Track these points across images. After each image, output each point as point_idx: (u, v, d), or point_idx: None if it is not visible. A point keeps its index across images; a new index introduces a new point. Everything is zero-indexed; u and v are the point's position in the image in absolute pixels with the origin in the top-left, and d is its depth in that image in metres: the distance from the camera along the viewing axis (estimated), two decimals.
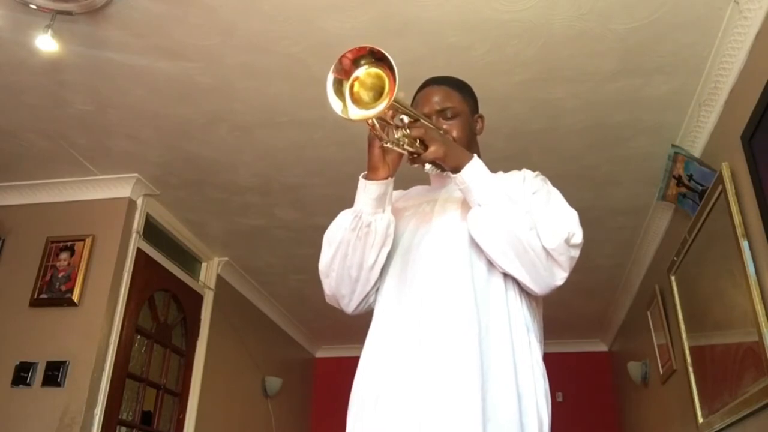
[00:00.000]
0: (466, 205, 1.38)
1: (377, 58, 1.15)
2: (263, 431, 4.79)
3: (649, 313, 3.86)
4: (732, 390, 2.49)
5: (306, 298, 4.78)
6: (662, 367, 3.65)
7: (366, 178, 1.37)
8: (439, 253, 1.37)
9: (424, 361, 1.26)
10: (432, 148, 1.28)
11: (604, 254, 3.98)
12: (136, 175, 3.23)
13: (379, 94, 1.14)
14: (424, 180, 1.61)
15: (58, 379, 2.87)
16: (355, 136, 2.71)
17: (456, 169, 1.33)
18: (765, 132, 2.04)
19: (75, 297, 3.02)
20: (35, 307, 3.06)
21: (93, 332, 2.97)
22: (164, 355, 3.65)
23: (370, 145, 1.35)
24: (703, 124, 2.63)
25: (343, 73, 1.17)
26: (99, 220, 3.21)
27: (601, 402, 5.56)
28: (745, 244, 2.24)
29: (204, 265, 4.17)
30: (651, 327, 3.84)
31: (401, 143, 1.27)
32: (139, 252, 3.33)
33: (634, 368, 4.29)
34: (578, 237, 1.32)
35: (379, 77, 1.14)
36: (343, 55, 1.16)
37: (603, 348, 5.80)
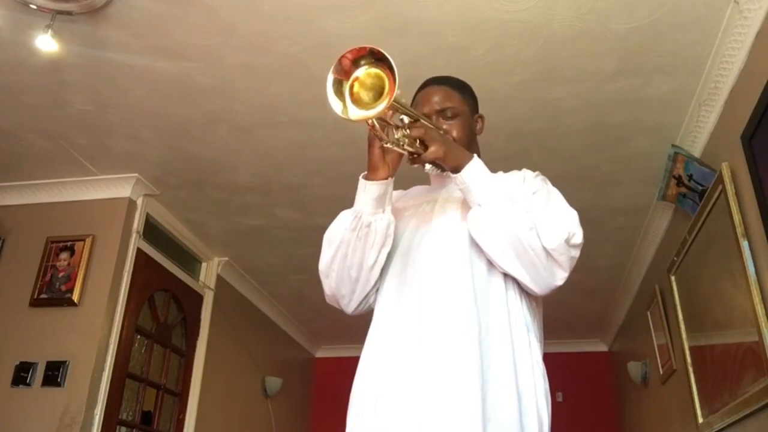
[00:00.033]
0: (466, 205, 1.38)
1: (377, 58, 1.15)
2: (263, 431, 4.79)
3: (649, 313, 3.86)
4: (732, 390, 2.49)
5: (306, 298, 4.79)
6: (662, 367, 3.65)
7: (366, 178, 1.37)
8: (439, 253, 1.37)
9: (424, 361, 1.26)
10: (432, 149, 1.28)
11: (604, 254, 3.98)
12: (136, 175, 3.23)
13: (379, 94, 1.14)
14: (424, 180, 1.61)
15: (58, 379, 2.87)
16: (355, 136, 2.71)
17: (456, 169, 1.33)
18: (765, 132, 2.04)
19: (75, 297, 3.02)
20: (35, 307, 3.06)
21: (93, 332, 2.97)
22: (164, 355, 3.65)
23: (370, 146, 1.35)
24: (703, 124, 2.63)
25: (343, 73, 1.17)
26: (99, 220, 3.21)
27: (601, 402, 5.56)
28: (745, 244, 2.24)
29: (204, 265, 4.17)
30: (651, 327, 3.84)
31: (401, 143, 1.27)
32: (139, 252, 3.33)
33: (634, 368, 4.30)
34: (578, 237, 1.32)
35: (378, 77, 1.14)
36: (343, 56, 1.16)
37: (603, 348, 5.80)
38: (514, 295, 1.36)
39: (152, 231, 3.51)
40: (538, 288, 1.33)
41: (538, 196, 1.40)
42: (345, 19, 2.23)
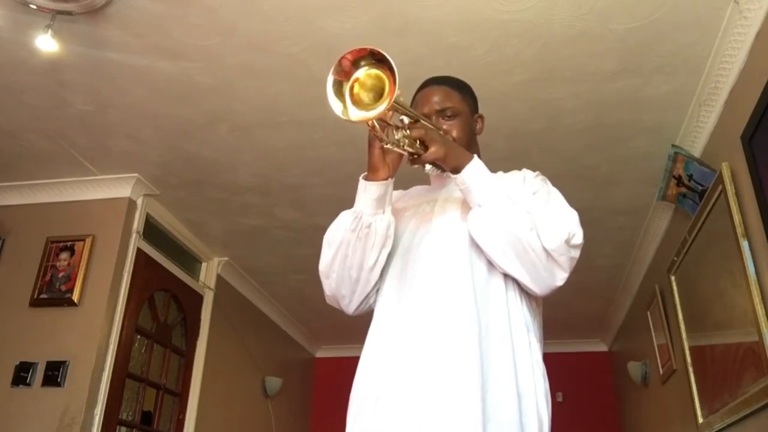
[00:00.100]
0: (466, 205, 1.38)
1: (377, 59, 1.15)
2: (263, 431, 4.79)
3: (649, 313, 3.86)
4: (732, 390, 2.49)
5: (306, 298, 4.79)
6: (662, 367, 3.65)
7: (366, 178, 1.37)
8: (439, 253, 1.37)
9: (424, 361, 1.26)
10: (432, 149, 1.28)
11: (604, 254, 3.98)
12: (136, 175, 3.23)
13: (379, 95, 1.14)
14: (424, 180, 1.61)
15: (58, 379, 2.87)
16: (355, 137, 2.71)
17: (456, 170, 1.33)
18: (765, 132, 2.04)
19: (75, 297, 3.02)
20: (35, 307, 3.06)
21: (93, 332, 2.97)
22: (164, 355, 3.65)
23: (370, 146, 1.34)
24: (703, 124, 2.63)
25: (343, 74, 1.17)
26: (99, 220, 3.21)
27: (601, 402, 5.56)
28: (745, 244, 2.24)
29: (204, 265, 4.17)
30: (651, 327, 3.84)
31: (401, 144, 1.27)
32: (139, 252, 3.33)
33: (634, 368, 4.30)
34: (578, 237, 1.32)
35: (379, 78, 1.14)
36: (343, 57, 1.16)
37: (603, 348, 5.80)
38: (514, 295, 1.36)
39: (152, 231, 3.51)
40: (538, 288, 1.33)
41: (538, 197, 1.40)
42: (345, 19, 2.23)
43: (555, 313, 4.29)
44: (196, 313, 4.02)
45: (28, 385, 2.89)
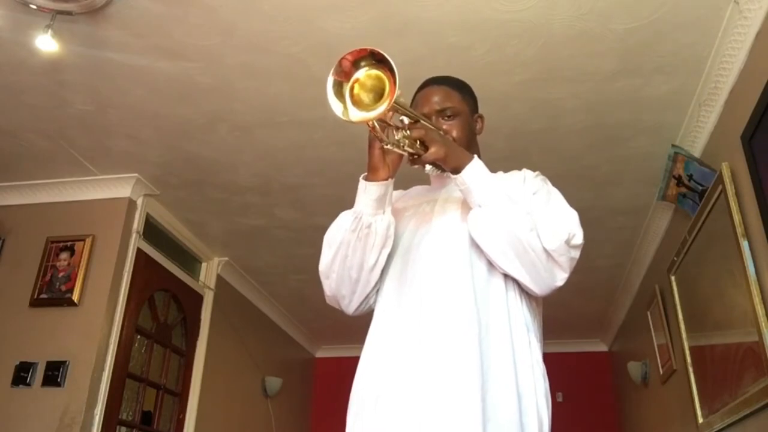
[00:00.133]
0: (466, 205, 1.38)
1: (377, 59, 1.15)
2: (263, 431, 4.79)
3: (649, 313, 3.86)
4: (732, 390, 2.49)
5: (306, 298, 4.79)
6: (662, 367, 3.65)
7: (366, 179, 1.37)
8: (439, 253, 1.37)
9: (424, 361, 1.26)
10: (432, 149, 1.28)
11: (604, 254, 3.98)
12: (136, 175, 3.23)
13: (379, 95, 1.14)
14: (424, 180, 1.61)
15: (58, 379, 2.87)
16: (355, 137, 2.71)
17: (456, 170, 1.33)
18: (765, 132, 2.04)
19: (75, 297, 3.03)
20: (35, 307, 3.06)
21: (93, 332, 2.97)
22: (164, 355, 3.65)
23: (371, 146, 1.34)
24: (703, 124, 2.63)
25: (343, 75, 1.17)
26: (99, 220, 3.21)
27: (601, 402, 5.56)
28: (745, 244, 2.24)
29: (204, 265, 4.17)
30: (651, 327, 3.84)
31: (401, 144, 1.27)
32: (139, 252, 3.33)
33: (634, 368, 4.30)
34: (578, 238, 1.32)
35: (379, 79, 1.14)
36: (343, 57, 1.16)
37: (603, 348, 5.80)
38: (514, 295, 1.36)
39: (152, 231, 3.51)
40: (538, 288, 1.33)
41: (539, 197, 1.40)
42: (345, 19, 2.23)
43: (555, 313, 4.29)
44: (196, 313, 4.02)
45: (28, 385, 2.89)
